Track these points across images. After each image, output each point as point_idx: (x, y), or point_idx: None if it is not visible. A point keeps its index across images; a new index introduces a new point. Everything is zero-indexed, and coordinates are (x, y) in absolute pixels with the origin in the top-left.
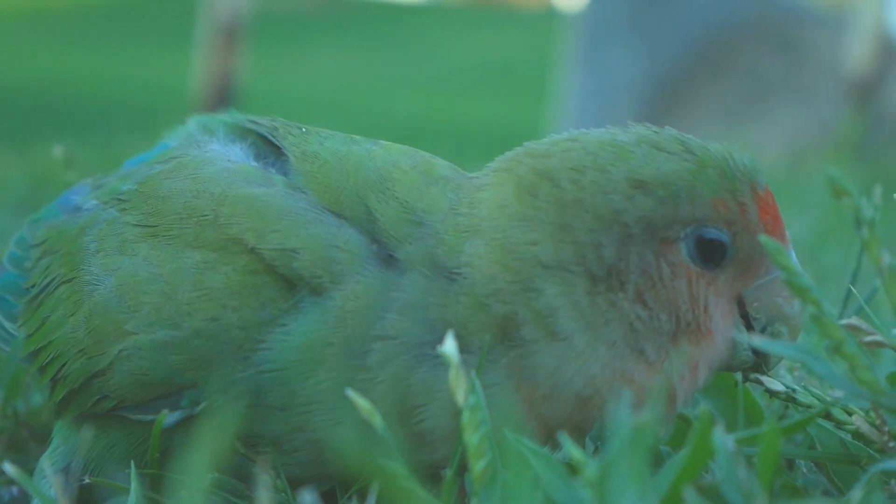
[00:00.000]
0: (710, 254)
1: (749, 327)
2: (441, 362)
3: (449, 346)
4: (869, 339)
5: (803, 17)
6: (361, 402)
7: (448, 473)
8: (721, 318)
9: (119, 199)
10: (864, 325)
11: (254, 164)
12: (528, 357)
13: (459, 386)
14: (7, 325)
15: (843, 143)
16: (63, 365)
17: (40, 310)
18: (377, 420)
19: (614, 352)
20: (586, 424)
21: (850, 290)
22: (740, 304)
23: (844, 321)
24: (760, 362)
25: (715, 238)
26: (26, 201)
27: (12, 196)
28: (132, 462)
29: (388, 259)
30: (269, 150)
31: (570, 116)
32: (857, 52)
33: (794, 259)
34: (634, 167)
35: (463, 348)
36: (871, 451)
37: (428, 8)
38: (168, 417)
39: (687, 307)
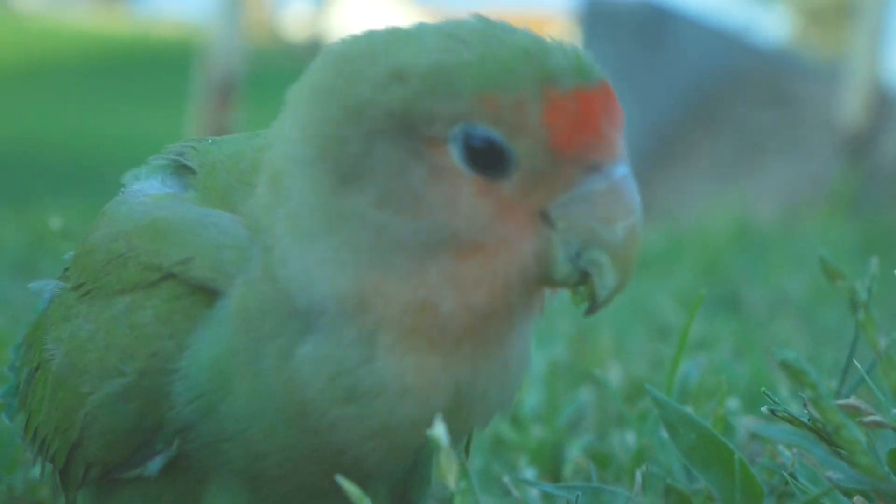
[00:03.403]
0: (486, 158)
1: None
2: (307, 352)
3: (438, 430)
4: (868, 419)
5: (796, 71)
6: (352, 489)
7: None
8: (509, 232)
9: (64, 270)
10: (862, 405)
11: (168, 190)
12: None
13: (450, 471)
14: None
15: (837, 197)
16: (49, 447)
17: (25, 403)
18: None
19: (360, 259)
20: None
21: (848, 363)
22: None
23: (842, 402)
24: (587, 279)
25: (484, 139)
26: (22, 264)
27: (8, 258)
28: None
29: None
30: (188, 172)
31: None
32: (851, 106)
33: (621, 173)
34: (406, 56)
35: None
36: None
37: None
38: (151, 465)
39: (445, 217)
